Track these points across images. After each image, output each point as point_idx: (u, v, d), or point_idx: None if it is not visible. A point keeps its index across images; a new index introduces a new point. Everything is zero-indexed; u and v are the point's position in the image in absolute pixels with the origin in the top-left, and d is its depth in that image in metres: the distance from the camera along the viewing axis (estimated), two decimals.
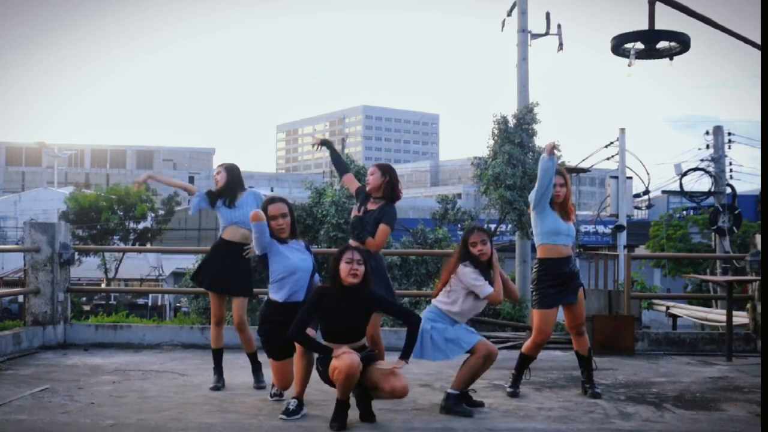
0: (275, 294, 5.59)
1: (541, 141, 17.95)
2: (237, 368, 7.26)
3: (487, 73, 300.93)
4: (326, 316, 5.20)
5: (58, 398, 5.81)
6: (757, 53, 8.25)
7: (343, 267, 5.16)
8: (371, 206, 5.98)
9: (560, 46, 20.44)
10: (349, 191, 6.35)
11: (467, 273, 5.62)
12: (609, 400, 6.02)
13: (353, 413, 5.14)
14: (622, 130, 20.22)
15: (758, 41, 8.17)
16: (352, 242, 5.79)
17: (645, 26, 9.12)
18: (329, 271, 5.28)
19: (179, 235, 43.31)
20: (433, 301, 5.81)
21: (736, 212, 22.83)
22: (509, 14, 20.58)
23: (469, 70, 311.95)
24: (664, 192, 29.04)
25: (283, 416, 5.25)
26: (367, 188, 6.05)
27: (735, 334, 8.69)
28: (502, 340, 9.28)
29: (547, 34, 20.36)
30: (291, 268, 5.54)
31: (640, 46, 9.24)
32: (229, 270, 6.32)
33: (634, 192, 22.36)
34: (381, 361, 5.42)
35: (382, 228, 5.84)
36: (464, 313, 5.71)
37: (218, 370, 6.45)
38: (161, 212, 39.39)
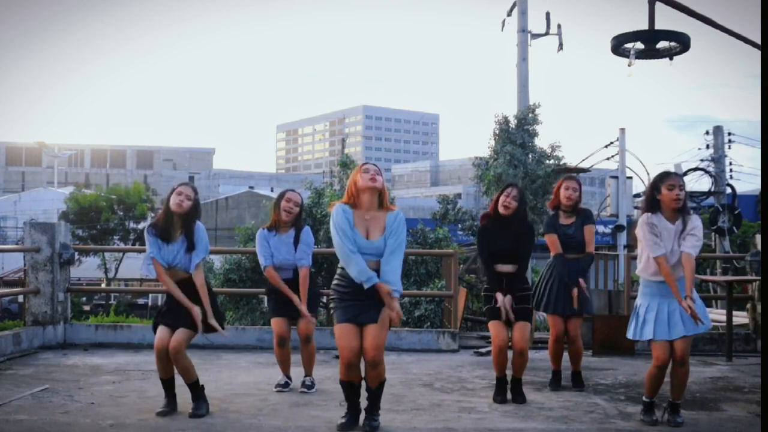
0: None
1: (542, 142, 18.00)
2: (237, 368, 7.27)
3: (487, 73, 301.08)
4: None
5: (58, 398, 5.81)
6: (757, 53, 8.25)
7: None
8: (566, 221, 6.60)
9: (560, 46, 20.44)
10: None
11: (641, 223, 5.18)
12: (609, 400, 6.02)
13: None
14: (622, 130, 20.19)
15: (758, 41, 8.17)
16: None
17: (645, 26, 9.12)
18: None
19: None
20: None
21: (736, 212, 22.81)
22: (509, 14, 20.58)
23: (469, 70, 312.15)
24: None
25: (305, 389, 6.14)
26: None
27: (735, 334, 8.69)
28: None
29: (547, 34, 20.36)
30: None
31: (640, 46, 9.24)
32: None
33: (634, 192, 22.34)
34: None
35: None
36: (654, 275, 5.18)
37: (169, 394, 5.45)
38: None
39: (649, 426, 5.19)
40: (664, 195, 5.17)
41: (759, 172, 9.11)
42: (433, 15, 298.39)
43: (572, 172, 17.61)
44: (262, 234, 6.21)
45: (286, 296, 6.10)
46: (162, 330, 5.35)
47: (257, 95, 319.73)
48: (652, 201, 5.22)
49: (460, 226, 19.31)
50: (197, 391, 5.40)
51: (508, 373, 5.97)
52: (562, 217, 6.55)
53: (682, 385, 5.24)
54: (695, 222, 5.18)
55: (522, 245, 5.97)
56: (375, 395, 4.97)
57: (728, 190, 24.66)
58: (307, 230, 6.22)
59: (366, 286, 4.79)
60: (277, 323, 6.17)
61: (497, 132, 17.92)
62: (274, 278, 6.11)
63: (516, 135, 17.57)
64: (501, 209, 5.99)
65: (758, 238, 9.33)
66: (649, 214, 5.20)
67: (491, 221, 6.09)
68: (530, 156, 17.58)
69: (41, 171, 79.94)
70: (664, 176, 5.25)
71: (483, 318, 14.69)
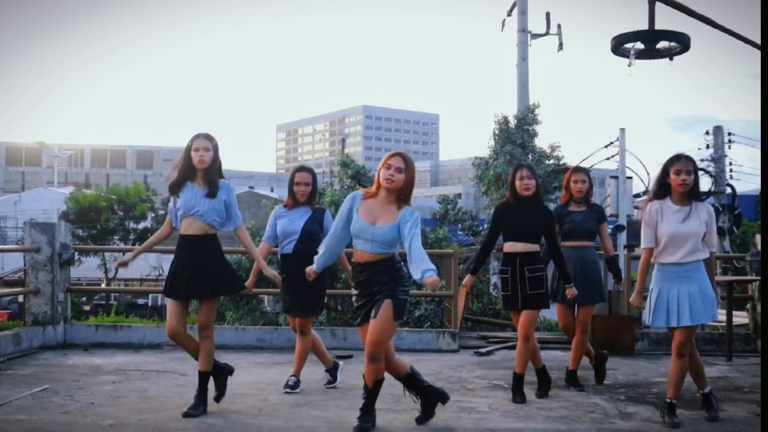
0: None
1: (542, 142, 18.03)
2: (237, 368, 7.24)
3: (487, 73, 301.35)
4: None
5: (58, 398, 5.81)
6: (757, 53, 8.25)
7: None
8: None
9: (560, 46, 20.47)
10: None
11: (645, 211, 5.26)
12: (609, 400, 6.02)
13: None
14: (622, 130, 20.14)
15: (758, 41, 8.17)
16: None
17: (645, 26, 9.13)
18: None
19: None
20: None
21: (736, 212, 22.81)
22: (509, 14, 20.61)
23: (469, 70, 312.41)
24: None
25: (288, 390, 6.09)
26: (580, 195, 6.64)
27: (735, 334, 8.69)
28: (502, 340, 9.28)
29: (547, 34, 20.40)
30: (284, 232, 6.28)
31: (640, 46, 9.25)
32: (189, 270, 5.36)
33: (634, 192, 22.33)
34: None
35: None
36: (662, 258, 5.23)
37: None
38: (161, 212, 39.38)
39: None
40: (672, 179, 5.19)
41: (759, 172, 9.11)
42: (433, 15, 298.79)
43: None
44: (274, 211, 6.45)
45: (292, 289, 6.16)
46: (172, 309, 5.33)
47: (257, 95, 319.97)
48: (662, 185, 5.25)
49: (460, 226, 19.28)
50: (205, 385, 5.38)
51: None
52: (573, 206, 6.67)
53: (678, 380, 5.22)
54: (710, 213, 5.23)
55: (547, 224, 5.99)
56: (371, 395, 4.92)
57: (728, 190, 24.65)
58: (327, 215, 6.37)
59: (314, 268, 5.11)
60: (292, 321, 6.41)
61: (497, 132, 17.94)
62: (263, 250, 6.37)
63: (516, 135, 17.59)
64: (522, 191, 5.97)
65: (758, 238, 9.33)
66: (655, 201, 5.25)
67: (512, 202, 6.06)
68: (530, 156, 17.60)
69: (41, 171, 79.89)
70: (673, 160, 5.24)
71: (483, 318, 14.61)
